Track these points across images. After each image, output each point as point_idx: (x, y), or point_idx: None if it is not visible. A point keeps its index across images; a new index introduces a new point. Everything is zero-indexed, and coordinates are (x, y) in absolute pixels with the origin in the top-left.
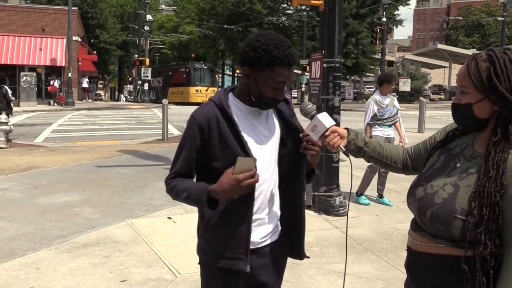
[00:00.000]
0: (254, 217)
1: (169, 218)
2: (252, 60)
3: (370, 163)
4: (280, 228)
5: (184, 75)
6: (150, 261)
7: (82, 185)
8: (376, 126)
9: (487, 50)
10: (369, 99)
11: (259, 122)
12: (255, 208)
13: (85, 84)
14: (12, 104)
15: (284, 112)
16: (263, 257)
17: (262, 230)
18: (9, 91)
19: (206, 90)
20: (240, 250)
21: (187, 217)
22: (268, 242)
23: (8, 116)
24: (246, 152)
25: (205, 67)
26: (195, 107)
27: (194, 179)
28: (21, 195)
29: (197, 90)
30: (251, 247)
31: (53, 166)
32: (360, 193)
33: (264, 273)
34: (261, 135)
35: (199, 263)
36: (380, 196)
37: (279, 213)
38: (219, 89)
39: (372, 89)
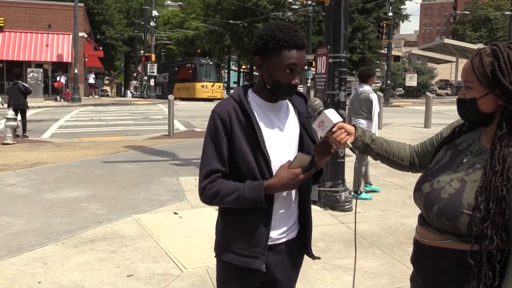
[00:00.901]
0: (275, 211)
1: (175, 213)
2: (260, 48)
3: (358, 156)
4: (298, 226)
5: (190, 71)
6: (156, 256)
7: (88, 181)
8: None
9: (491, 45)
10: (372, 93)
11: (278, 118)
12: (274, 205)
13: (91, 80)
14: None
15: (301, 112)
16: (280, 254)
17: (281, 227)
18: (26, 84)
19: (212, 86)
20: (257, 249)
21: (193, 212)
22: (285, 239)
23: (25, 110)
24: (264, 147)
25: (211, 63)
26: (201, 103)
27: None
28: (28, 190)
29: (203, 86)
30: (269, 243)
31: (60, 162)
32: (360, 191)
33: (280, 270)
34: (279, 131)
35: (215, 256)
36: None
37: (297, 211)
38: (225, 84)
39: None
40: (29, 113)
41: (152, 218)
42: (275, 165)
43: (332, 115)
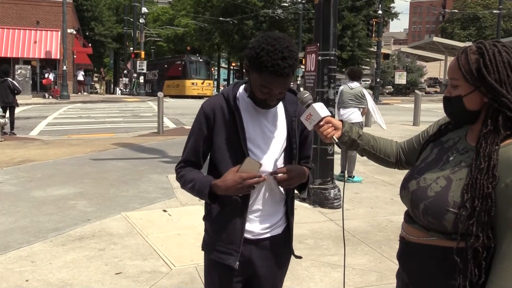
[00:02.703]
0: (255, 207)
1: (164, 211)
2: (248, 58)
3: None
4: (285, 222)
5: (180, 68)
6: (145, 253)
7: (77, 178)
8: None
9: (477, 43)
10: (365, 90)
11: (266, 116)
12: (256, 199)
13: (80, 77)
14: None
15: (289, 112)
16: (264, 249)
17: (264, 222)
18: (15, 83)
19: (202, 83)
20: (232, 246)
21: (182, 210)
22: (269, 235)
23: (14, 108)
24: (245, 145)
25: (201, 60)
26: (191, 100)
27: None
28: (16, 188)
29: (193, 83)
30: (251, 237)
31: (48, 159)
32: (354, 175)
33: (264, 265)
34: (266, 129)
35: (202, 249)
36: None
37: (284, 208)
38: (215, 82)
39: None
40: (17, 110)
41: (141, 216)
42: (263, 164)
43: (320, 109)
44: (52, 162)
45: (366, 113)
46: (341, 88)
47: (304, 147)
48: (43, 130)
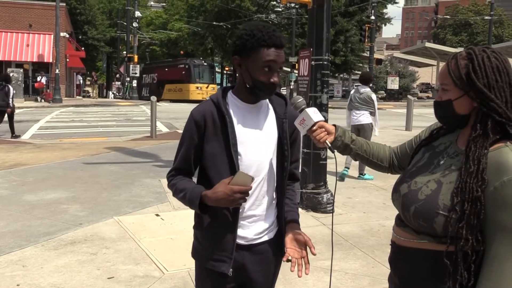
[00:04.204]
0: (248, 213)
1: (157, 215)
2: (240, 48)
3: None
4: (277, 226)
5: (184, 72)
6: (137, 258)
7: (69, 182)
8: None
9: (467, 49)
10: (373, 94)
11: (257, 120)
12: (249, 204)
13: (79, 81)
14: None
15: (279, 114)
16: (257, 254)
17: (257, 227)
18: (12, 90)
19: (207, 87)
20: (224, 253)
21: (175, 214)
22: (263, 239)
23: (12, 113)
24: (234, 152)
25: (205, 64)
26: (184, 104)
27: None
28: (8, 192)
29: (197, 87)
30: (244, 243)
31: (40, 163)
32: (365, 173)
33: (257, 270)
34: (258, 131)
35: (193, 257)
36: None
37: (275, 211)
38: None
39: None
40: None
41: (134, 220)
42: (252, 168)
43: (313, 113)
44: (44, 166)
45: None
46: (352, 92)
47: (293, 149)
48: (35, 134)
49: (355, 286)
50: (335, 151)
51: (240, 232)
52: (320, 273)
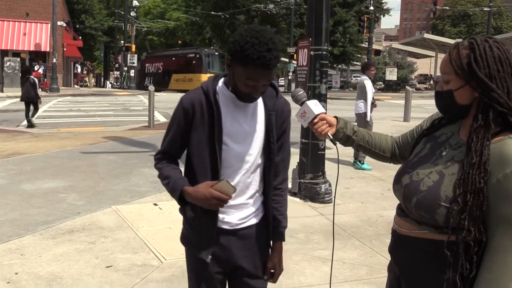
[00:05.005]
0: (231, 202)
1: (155, 204)
2: (231, 52)
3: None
4: (263, 212)
5: (194, 61)
6: (135, 247)
7: (67, 172)
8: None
9: (469, 38)
10: (367, 80)
11: (245, 111)
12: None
13: (77, 70)
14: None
15: (267, 106)
16: (242, 238)
17: (241, 213)
18: (36, 81)
19: None
20: (204, 240)
21: (173, 204)
22: (248, 223)
23: (37, 104)
24: (219, 141)
25: (216, 53)
26: (182, 94)
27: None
28: (5, 181)
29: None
30: (229, 227)
31: (38, 152)
32: (364, 162)
33: (244, 255)
34: (245, 124)
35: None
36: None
37: (262, 198)
38: None
39: (358, 78)
40: (6, 102)
41: (132, 209)
42: (238, 157)
43: (314, 106)
44: (42, 155)
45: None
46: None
47: (282, 142)
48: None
49: (353, 275)
50: (337, 142)
51: (224, 217)
52: (317, 262)
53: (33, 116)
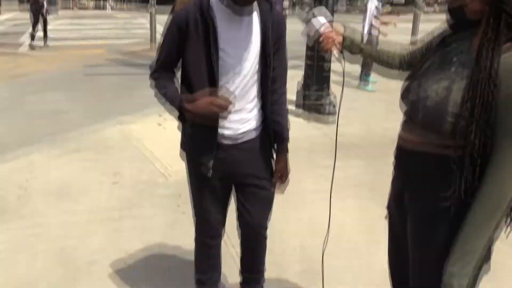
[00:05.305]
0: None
1: (159, 124)
2: None
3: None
4: (264, 125)
5: None
6: (141, 163)
7: (70, 92)
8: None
9: None
10: (369, 3)
11: (240, 25)
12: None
13: None
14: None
15: (262, 20)
16: (244, 151)
17: (241, 126)
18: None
19: None
20: (204, 155)
21: (176, 122)
22: (249, 137)
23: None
24: (216, 56)
25: None
26: None
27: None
28: (9, 102)
29: None
30: (230, 142)
31: (40, 74)
32: (369, 74)
33: (246, 165)
34: (241, 38)
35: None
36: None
37: (262, 114)
38: None
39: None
40: (6, 24)
41: (136, 127)
42: (234, 64)
43: (319, 24)
44: (45, 76)
45: (380, 24)
46: None
47: (278, 56)
48: (33, 45)
49: (355, 192)
50: (343, 59)
51: (224, 132)
52: (320, 179)
53: (44, 36)
